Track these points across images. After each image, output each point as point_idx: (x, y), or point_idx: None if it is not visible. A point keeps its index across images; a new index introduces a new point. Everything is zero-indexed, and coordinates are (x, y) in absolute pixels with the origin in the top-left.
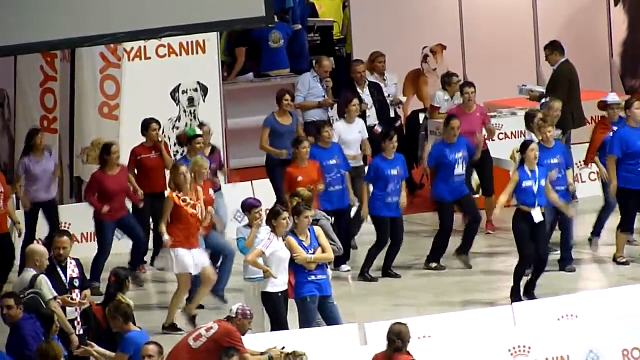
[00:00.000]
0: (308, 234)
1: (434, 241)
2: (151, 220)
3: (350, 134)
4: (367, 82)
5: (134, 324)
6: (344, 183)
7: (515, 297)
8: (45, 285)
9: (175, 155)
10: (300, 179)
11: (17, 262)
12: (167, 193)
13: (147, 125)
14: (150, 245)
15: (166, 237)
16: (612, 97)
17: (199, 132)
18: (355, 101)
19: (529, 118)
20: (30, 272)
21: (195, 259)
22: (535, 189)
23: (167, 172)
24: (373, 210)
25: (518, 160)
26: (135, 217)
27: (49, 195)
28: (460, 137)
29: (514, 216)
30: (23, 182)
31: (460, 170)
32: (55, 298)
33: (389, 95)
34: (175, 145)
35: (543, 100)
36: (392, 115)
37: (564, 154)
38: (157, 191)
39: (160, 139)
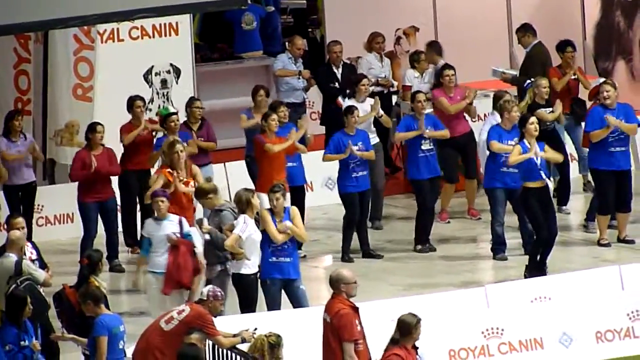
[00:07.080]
0: (282, 215)
1: (416, 223)
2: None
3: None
4: (342, 63)
5: (107, 307)
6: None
7: (531, 273)
8: (33, 268)
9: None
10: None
11: None
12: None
13: (132, 103)
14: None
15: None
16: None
17: (172, 110)
18: (365, 81)
19: (497, 99)
20: (10, 257)
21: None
22: (538, 161)
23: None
24: (339, 188)
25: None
26: (122, 193)
27: (27, 177)
28: (428, 114)
29: (522, 196)
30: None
31: (427, 145)
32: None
33: (384, 76)
34: None
35: (528, 82)
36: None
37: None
38: (145, 167)
39: (146, 119)
